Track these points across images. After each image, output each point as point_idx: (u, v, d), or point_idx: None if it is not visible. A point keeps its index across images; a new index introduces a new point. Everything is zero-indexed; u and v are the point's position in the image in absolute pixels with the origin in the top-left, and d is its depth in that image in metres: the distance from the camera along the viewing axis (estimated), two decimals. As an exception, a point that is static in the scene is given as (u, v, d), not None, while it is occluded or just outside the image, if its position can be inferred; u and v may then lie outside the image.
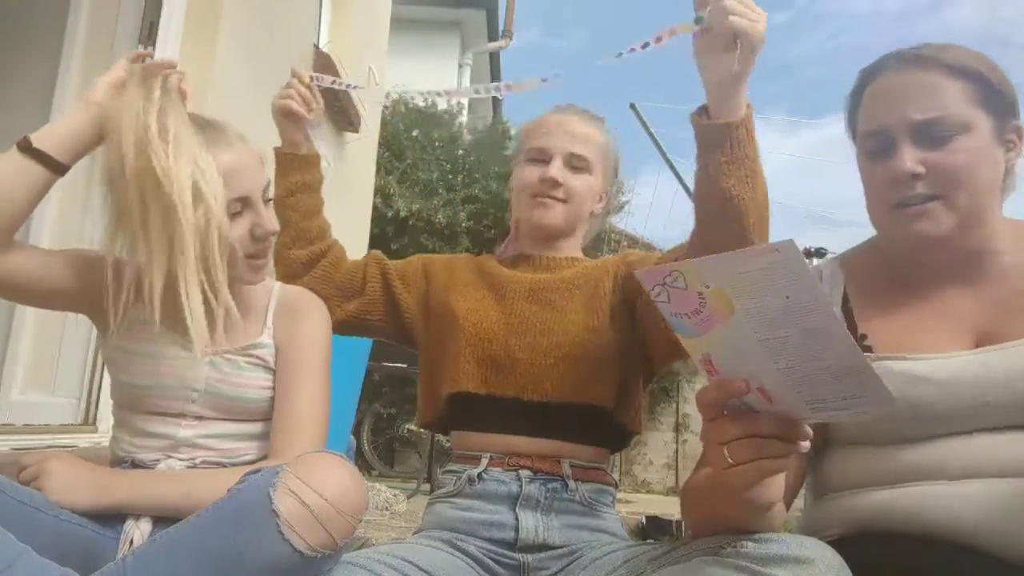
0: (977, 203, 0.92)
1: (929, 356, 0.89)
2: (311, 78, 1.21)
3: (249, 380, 1.09)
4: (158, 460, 1.05)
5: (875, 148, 0.96)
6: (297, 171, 1.24)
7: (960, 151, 0.91)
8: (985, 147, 0.92)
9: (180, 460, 1.06)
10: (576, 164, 1.19)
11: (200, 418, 1.07)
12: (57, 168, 1.01)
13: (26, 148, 0.99)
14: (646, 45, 0.94)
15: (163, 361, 1.07)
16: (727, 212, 0.91)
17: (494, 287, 1.20)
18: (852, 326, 0.97)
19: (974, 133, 0.92)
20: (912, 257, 0.98)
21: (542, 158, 1.20)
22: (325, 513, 0.81)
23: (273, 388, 1.11)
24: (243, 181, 1.03)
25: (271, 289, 1.17)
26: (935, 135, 0.92)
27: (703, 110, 0.93)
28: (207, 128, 1.04)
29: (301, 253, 1.24)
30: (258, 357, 1.11)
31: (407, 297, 1.24)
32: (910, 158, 0.92)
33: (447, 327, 1.17)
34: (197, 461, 1.06)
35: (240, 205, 1.04)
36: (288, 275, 1.23)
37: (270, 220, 1.06)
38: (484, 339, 1.13)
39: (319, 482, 0.82)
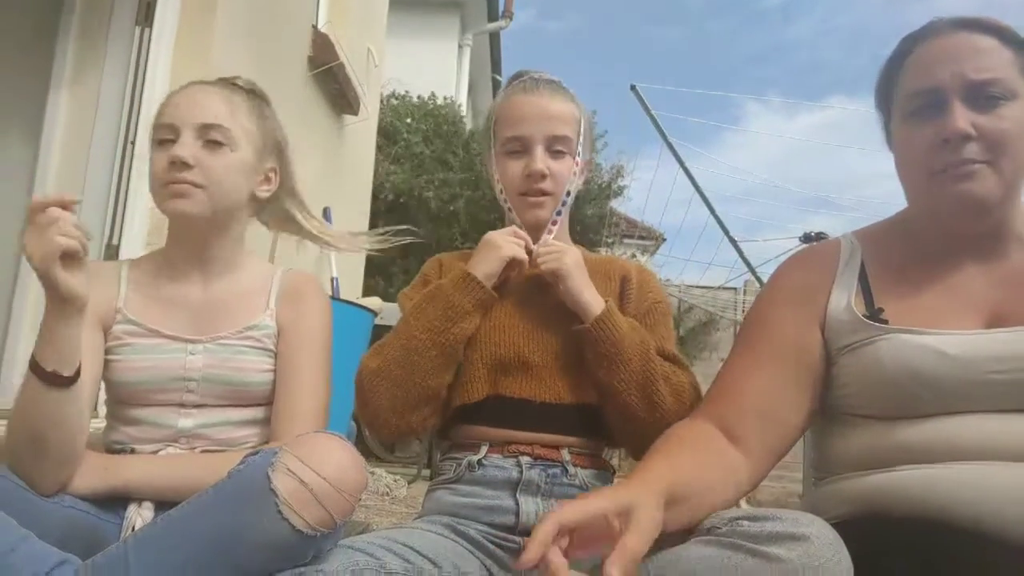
0: (1017, 174, 0.92)
1: (944, 332, 0.89)
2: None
3: (249, 363, 1.08)
4: (158, 449, 1.05)
5: (923, 106, 0.94)
6: (479, 299, 1.08)
7: (1007, 117, 0.90)
8: None
9: (180, 449, 1.06)
10: (558, 147, 1.15)
11: (200, 406, 1.07)
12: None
13: (64, 383, 0.91)
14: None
15: (152, 355, 1.07)
16: (607, 397, 1.07)
17: (496, 284, 1.14)
18: (869, 298, 0.96)
19: (1020, 103, 0.91)
20: (944, 226, 0.96)
21: (522, 148, 1.16)
22: (323, 492, 0.81)
23: (274, 371, 1.11)
24: (172, 111, 1.10)
25: (273, 273, 1.18)
26: (987, 96, 0.90)
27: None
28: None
29: (429, 421, 1.11)
30: (257, 339, 1.10)
31: None
32: (963, 118, 0.90)
33: None
34: (197, 451, 1.06)
35: (168, 133, 1.08)
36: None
37: (183, 148, 1.07)
38: (491, 342, 1.10)
39: (317, 461, 0.82)
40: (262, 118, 1.17)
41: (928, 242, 0.98)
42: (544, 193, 1.16)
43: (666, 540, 0.83)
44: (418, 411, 1.07)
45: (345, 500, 0.83)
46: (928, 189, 0.95)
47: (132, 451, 1.06)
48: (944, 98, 0.91)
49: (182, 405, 1.07)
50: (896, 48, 1.00)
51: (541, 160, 1.14)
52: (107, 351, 1.08)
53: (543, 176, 1.14)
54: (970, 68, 0.90)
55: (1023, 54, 0.92)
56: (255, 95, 1.19)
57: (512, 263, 1.11)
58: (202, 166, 1.07)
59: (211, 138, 1.08)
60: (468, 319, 1.07)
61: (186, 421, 1.06)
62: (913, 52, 0.97)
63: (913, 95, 0.95)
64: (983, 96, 0.90)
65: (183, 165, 1.05)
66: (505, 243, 1.11)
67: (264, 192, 1.18)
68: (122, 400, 1.09)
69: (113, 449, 1.08)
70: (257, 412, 1.10)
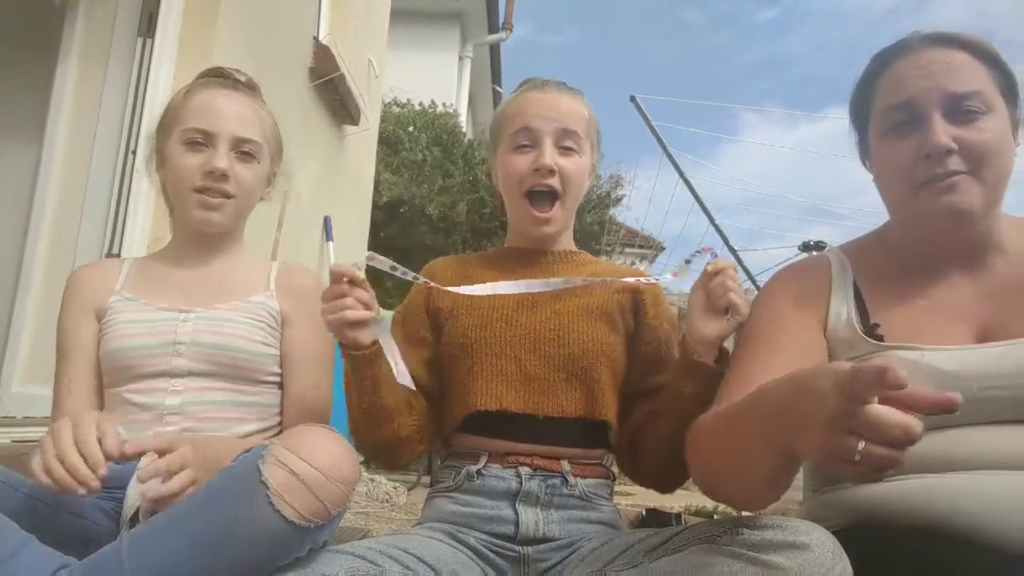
0: (998, 186, 0.92)
1: (939, 348, 0.89)
2: (363, 265, 1.03)
3: (241, 331, 1.10)
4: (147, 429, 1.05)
5: (901, 122, 0.94)
6: (369, 366, 1.03)
7: (987, 130, 0.90)
8: (1005, 132, 0.92)
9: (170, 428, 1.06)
10: (567, 143, 1.13)
11: (188, 375, 1.08)
12: None
13: None
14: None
15: (145, 323, 1.10)
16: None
17: (491, 298, 1.12)
18: (864, 314, 0.96)
19: (997, 116, 0.91)
20: (930, 237, 0.96)
21: (530, 141, 1.13)
22: (315, 481, 0.80)
23: (268, 346, 1.14)
24: (209, 118, 1.12)
25: (269, 266, 1.24)
26: (966, 110, 0.90)
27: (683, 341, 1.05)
28: (213, 75, 1.18)
29: (410, 456, 1.13)
30: (253, 313, 1.14)
31: (428, 353, 1.16)
32: (943, 132, 0.90)
33: (454, 347, 1.12)
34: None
35: (201, 137, 1.11)
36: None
37: (221, 160, 1.11)
38: (492, 354, 1.08)
39: (308, 451, 0.81)
40: (274, 125, 1.22)
41: (912, 255, 0.99)
42: (552, 192, 1.13)
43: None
44: (404, 449, 1.09)
45: (338, 489, 0.82)
46: (913, 203, 0.95)
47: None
48: (922, 112, 0.92)
49: (170, 375, 1.08)
50: (868, 65, 1.00)
51: (550, 155, 1.12)
52: (103, 329, 1.12)
53: (551, 172, 1.11)
54: (947, 82, 0.91)
55: (996, 68, 0.93)
56: (258, 93, 1.22)
57: (353, 325, 0.99)
58: (235, 177, 1.13)
59: (244, 150, 1.14)
60: (376, 385, 1.03)
61: (173, 399, 1.07)
62: (887, 69, 0.97)
63: (890, 109, 0.95)
64: (961, 110, 0.91)
65: (222, 177, 1.11)
66: (330, 317, 0.99)
67: (266, 194, 1.24)
68: (113, 380, 1.10)
69: None
70: (246, 394, 1.11)
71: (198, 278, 1.17)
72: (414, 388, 1.03)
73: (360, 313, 0.98)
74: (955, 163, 0.90)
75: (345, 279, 0.98)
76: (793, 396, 0.67)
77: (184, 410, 1.06)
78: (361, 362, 1.02)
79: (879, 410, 0.59)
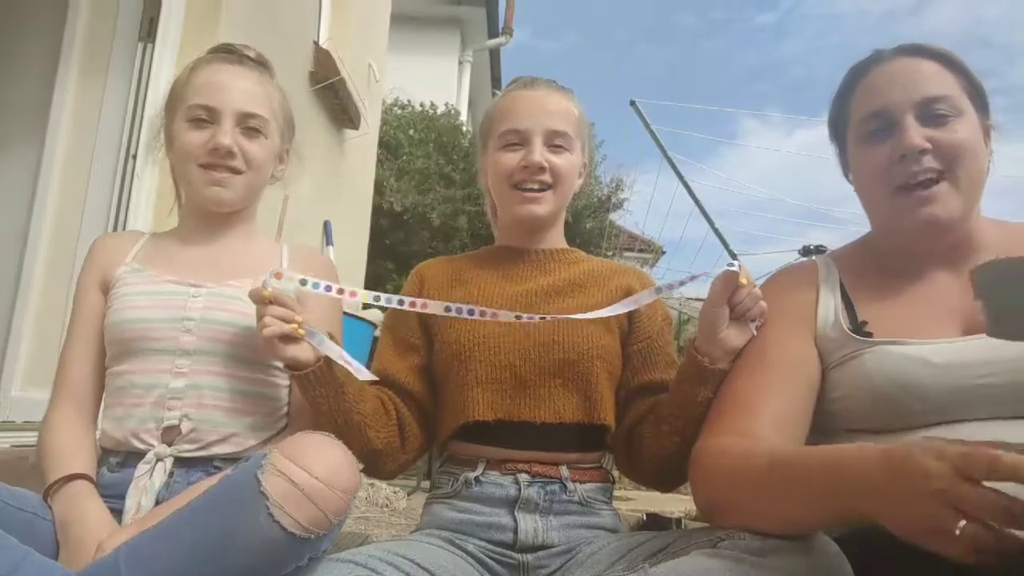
0: (974, 186, 0.96)
1: (927, 341, 0.90)
2: (271, 283, 0.99)
3: (252, 310, 1.05)
4: (151, 445, 1.03)
5: (877, 128, 0.98)
6: (319, 385, 1.02)
7: (959, 131, 0.94)
8: (977, 135, 0.96)
9: (171, 417, 1.04)
10: (557, 142, 1.13)
11: (194, 354, 1.05)
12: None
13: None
14: (683, 283, 1.09)
15: (155, 295, 1.09)
16: (695, 430, 0.99)
17: (484, 299, 1.12)
18: (852, 313, 0.98)
19: (967, 120, 0.95)
20: (911, 245, 0.99)
21: (519, 141, 1.13)
22: (315, 490, 0.79)
23: None
24: (212, 94, 1.10)
25: (280, 247, 1.21)
26: (938, 113, 0.94)
27: (697, 352, 1.01)
28: (220, 51, 1.18)
29: (394, 467, 1.13)
30: None
31: (418, 359, 1.15)
32: (917, 133, 0.94)
33: (448, 355, 1.11)
34: (188, 433, 1.03)
35: (205, 113, 1.09)
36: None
37: (226, 137, 1.09)
38: (488, 363, 1.07)
39: (307, 460, 0.80)
40: (283, 100, 1.20)
41: (897, 259, 1.01)
42: (543, 187, 1.13)
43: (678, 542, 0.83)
44: (384, 460, 1.09)
45: (338, 498, 0.81)
46: (892, 207, 0.98)
47: (119, 463, 1.04)
48: (896, 117, 0.96)
49: (176, 353, 1.05)
50: (844, 80, 1.04)
51: (540, 153, 1.11)
52: (109, 301, 1.10)
53: (541, 168, 1.11)
54: (918, 88, 0.95)
55: (964, 76, 0.98)
56: (267, 69, 1.21)
57: (279, 340, 0.98)
58: (242, 153, 1.11)
59: (250, 126, 1.12)
60: (332, 405, 1.02)
61: (177, 381, 1.04)
62: (861, 81, 1.01)
63: (866, 118, 0.99)
64: (933, 114, 0.95)
65: (228, 154, 1.09)
66: (260, 333, 0.98)
67: (280, 172, 1.22)
68: (117, 351, 1.08)
69: (105, 446, 1.07)
70: (252, 383, 1.08)
71: (209, 255, 1.14)
72: (375, 378, 1.04)
73: (275, 328, 0.96)
74: (930, 162, 0.94)
75: (256, 301, 0.98)
76: (882, 474, 0.67)
77: (188, 394, 1.04)
78: (308, 383, 1.00)
79: (986, 491, 0.61)
